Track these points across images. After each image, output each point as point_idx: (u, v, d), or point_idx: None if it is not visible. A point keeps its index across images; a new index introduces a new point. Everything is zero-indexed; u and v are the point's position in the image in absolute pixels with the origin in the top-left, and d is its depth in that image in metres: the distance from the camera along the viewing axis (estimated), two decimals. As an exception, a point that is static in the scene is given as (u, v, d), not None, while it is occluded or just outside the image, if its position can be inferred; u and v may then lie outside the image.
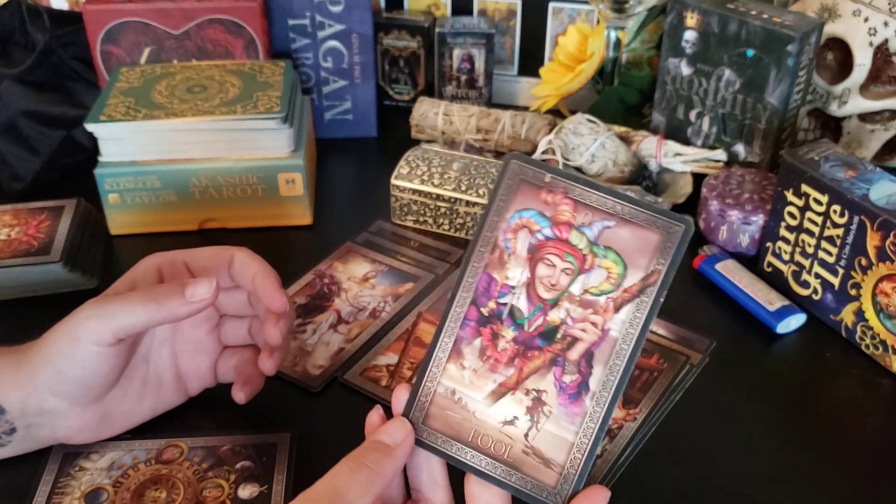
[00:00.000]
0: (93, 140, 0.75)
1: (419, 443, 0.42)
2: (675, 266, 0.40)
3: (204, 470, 0.53)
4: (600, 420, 0.41)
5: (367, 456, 0.41)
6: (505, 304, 0.42)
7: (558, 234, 0.41)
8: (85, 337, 0.48)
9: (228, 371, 0.57)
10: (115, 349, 0.49)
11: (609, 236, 0.41)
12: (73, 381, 0.49)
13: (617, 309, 0.40)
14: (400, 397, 0.43)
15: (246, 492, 0.51)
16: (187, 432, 0.56)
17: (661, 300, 0.40)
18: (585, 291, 0.41)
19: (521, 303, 0.42)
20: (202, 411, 0.58)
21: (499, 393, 0.42)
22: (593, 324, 0.41)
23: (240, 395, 0.55)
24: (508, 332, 0.42)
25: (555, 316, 0.41)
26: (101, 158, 0.75)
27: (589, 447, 0.41)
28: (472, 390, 0.42)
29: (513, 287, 0.42)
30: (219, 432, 0.56)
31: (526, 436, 0.41)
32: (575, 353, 0.41)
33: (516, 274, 0.42)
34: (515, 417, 0.41)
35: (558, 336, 0.41)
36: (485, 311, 0.42)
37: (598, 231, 0.41)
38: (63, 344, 0.49)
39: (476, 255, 0.43)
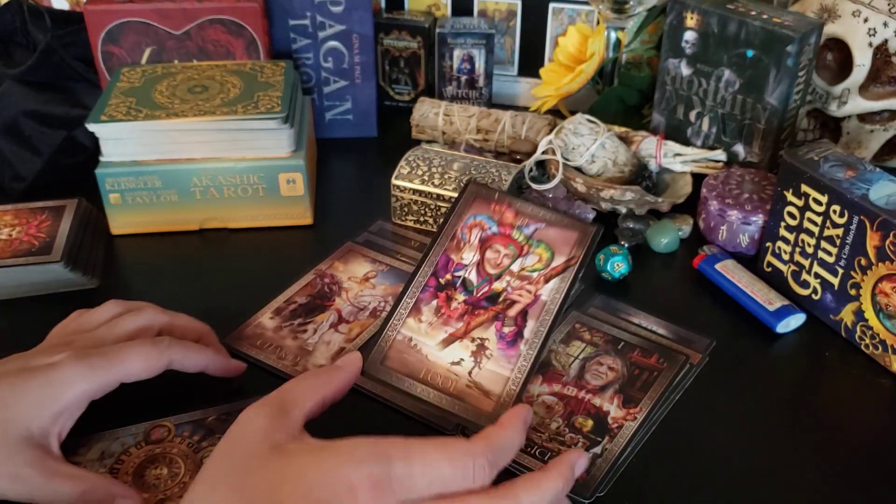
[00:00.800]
0: (94, 140, 0.75)
1: (376, 379, 0.52)
2: (590, 254, 0.56)
3: (197, 442, 0.53)
4: (532, 360, 0.52)
5: (317, 371, 0.49)
6: (459, 277, 0.56)
7: (503, 231, 0.57)
8: (79, 398, 0.50)
9: None
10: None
11: (541, 234, 0.57)
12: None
13: (546, 281, 0.55)
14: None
15: None
16: (169, 412, 0.56)
17: (580, 275, 0.55)
18: (522, 269, 0.55)
19: (472, 276, 0.56)
20: (180, 392, 0.58)
21: (448, 340, 0.54)
22: (528, 291, 0.54)
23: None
24: (460, 297, 0.55)
25: (498, 286, 0.55)
26: (102, 158, 0.75)
27: (522, 381, 0.52)
28: (426, 338, 0.54)
29: (465, 265, 0.56)
30: (202, 406, 0.56)
31: (470, 373, 0.52)
32: (513, 311, 0.54)
33: (469, 256, 0.56)
34: (462, 359, 0.53)
35: (500, 299, 0.55)
36: (442, 280, 0.56)
37: (533, 230, 0.57)
38: (57, 417, 0.49)
39: (439, 242, 0.57)
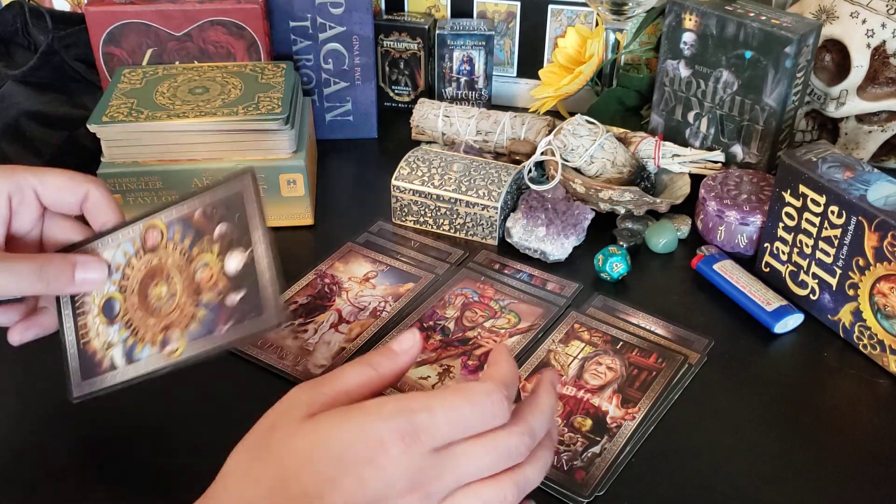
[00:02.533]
0: (95, 141, 0.76)
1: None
2: (551, 322, 0.67)
3: (188, 248, 0.51)
4: None
5: (372, 358, 0.45)
6: (440, 324, 0.67)
7: (483, 301, 0.69)
8: None
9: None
10: None
11: (513, 306, 0.69)
12: None
13: (510, 336, 0.66)
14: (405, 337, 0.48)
15: (233, 262, 0.49)
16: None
17: (539, 336, 0.66)
18: (493, 326, 0.67)
19: (451, 325, 0.67)
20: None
21: (421, 363, 0.63)
22: (494, 340, 0.65)
23: (15, 338, 0.54)
24: (437, 337, 0.66)
25: (470, 333, 0.66)
26: (103, 159, 0.76)
27: None
28: None
29: (447, 317, 0.67)
30: (187, 198, 0.53)
31: (433, 386, 0.61)
32: (479, 352, 0.64)
33: (451, 313, 0.68)
34: (429, 376, 0.62)
35: (470, 343, 0.65)
36: (426, 325, 0.67)
37: (507, 303, 0.69)
38: None
39: (429, 301, 0.69)
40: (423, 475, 0.41)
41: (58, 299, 0.54)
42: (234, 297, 0.47)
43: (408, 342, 0.46)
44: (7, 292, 0.48)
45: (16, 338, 0.54)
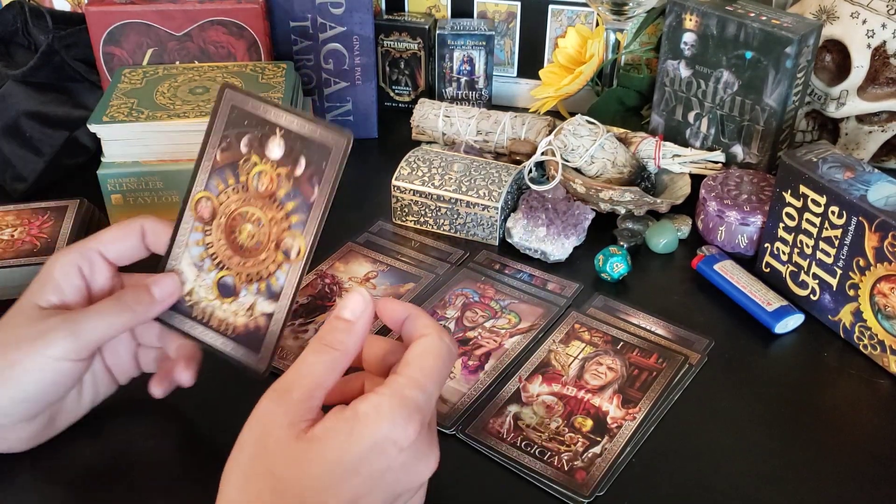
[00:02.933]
0: (95, 141, 0.76)
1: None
2: (551, 322, 0.67)
3: (235, 182, 0.52)
4: (486, 386, 0.61)
5: (328, 338, 0.45)
6: (441, 324, 0.61)
7: (483, 301, 0.69)
8: (59, 354, 0.47)
9: (150, 363, 0.57)
10: (83, 364, 0.49)
11: (513, 306, 0.69)
12: (34, 399, 0.49)
13: (511, 336, 0.66)
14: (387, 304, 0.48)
15: (274, 148, 0.50)
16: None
17: (541, 336, 0.65)
18: (493, 326, 0.67)
19: (451, 326, 0.67)
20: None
21: None
22: (494, 340, 0.65)
23: (157, 391, 0.55)
24: None
25: (471, 334, 0.66)
26: (103, 159, 0.76)
27: (475, 397, 0.60)
28: None
29: (447, 317, 0.67)
30: (203, 149, 0.54)
31: None
32: (479, 352, 0.64)
33: (451, 313, 0.68)
34: None
35: (470, 343, 0.65)
36: None
37: (507, 303, 0.69)
38: (34, 367, 0.47)
39: (429, 301, 0.69)
40: (428, 443, 0.43)
41: (165, 323, 0.54)
42: (300, 166, 0.49)
43: (358, 306, 0.45)
44: (105, 335, 0.49)
45: (157, 391, 0.55)
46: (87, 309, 0.49)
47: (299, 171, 0.49)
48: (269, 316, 0.50)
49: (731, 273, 0.70)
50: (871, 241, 0.61)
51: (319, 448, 0.41)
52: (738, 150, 0.83)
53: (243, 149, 0.51)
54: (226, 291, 0.52)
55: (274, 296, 0.50)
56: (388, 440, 0.41)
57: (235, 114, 0.51)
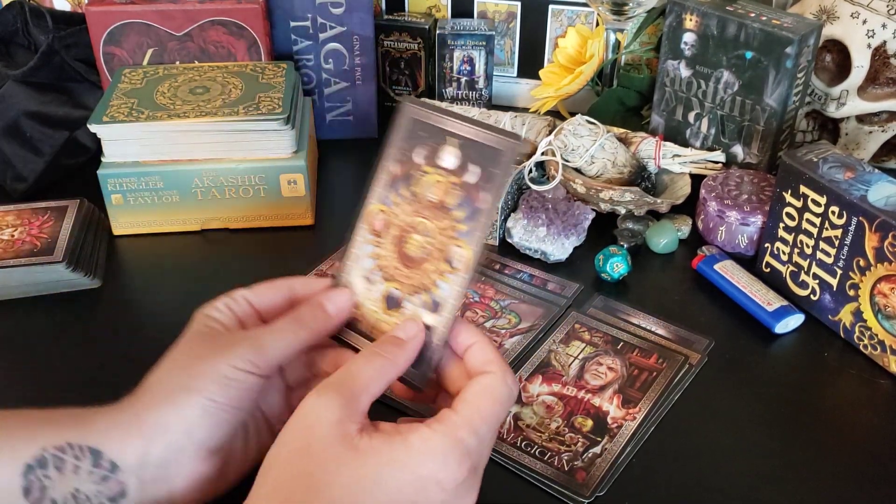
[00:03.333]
0: (96, 141, 0.76)
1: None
2: (551, 322, 0.66)
3: (409, 194, 0.51)
4: None
5: (381, 347, 0.46)
6: None
7: (483, 301, 0.69)
8: (243, 364, 0.45)
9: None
10: (261, 383, 0.47)
11: (513, 306, 0.69)
12: (219, 413, 0.45)
13: (511, 336, 0.66)
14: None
15: (448, 157, 0.49)
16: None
17: (541, 336, 0.65)
18: (493, 326, 0.67)
19: None
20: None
21: None
22: (495, 341, 0.65)
23: None
24: None
25: None
26: (103, 159, 0.76)
27: None
28: None
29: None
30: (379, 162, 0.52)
31: None
32: None
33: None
34: None
35: None
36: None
37: (508, 303, 0.69)
38: (218, 372, 0.45)
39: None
40: (470, 487, 0.43)
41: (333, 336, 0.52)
42: (471, 174, 0.48)
43: (412, 330, 0.47)
44: (286, 351, 0.48)
45: None
46: (267, 326, 0.48)
47: (472, 178, 0.48)
48: (432, 329, 0.48)
49: (731, 273, 0.70)
50: (871, 241, 0.61)
51: (361, 462, 0.40)
52: (738, 150, 0.83)
53: (418, 160, 0.50)
54: (392, 304, 0.50)
55: (436, 307, 0.48)
56: (432, 479, 0.41)
57: (414, 126, 0.50)
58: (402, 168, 0.51)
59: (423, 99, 0.48)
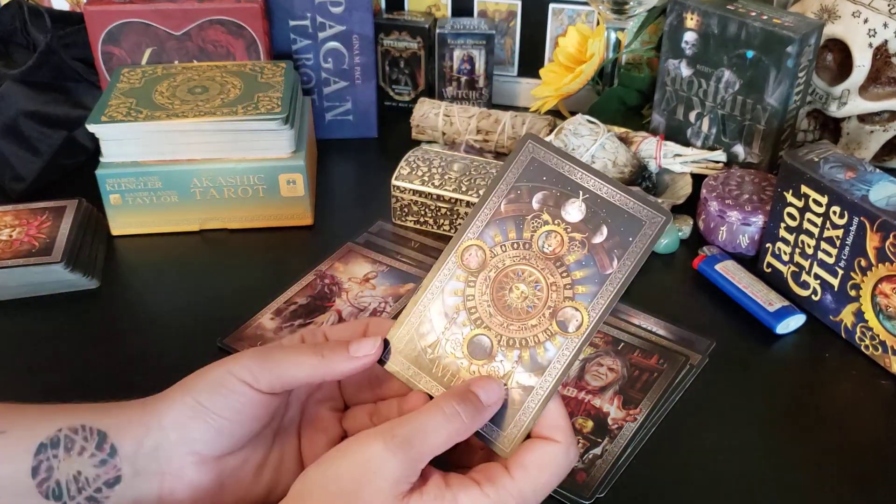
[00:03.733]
0: (94, 141, 0.75)
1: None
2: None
3: (516, 237, 0.47)
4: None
5: (463, 407, 0.42)
6: None
7: None
8: (240, 374, 0.44)
9: None
10: (262, 400, 0.45)
11: None
12: (207, 417, 0.44)
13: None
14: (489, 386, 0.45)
15: (573, 211, 0.45)
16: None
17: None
18: None
19: None
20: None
21: None
22: None
23: None
24: None
25: None
26: (102, 159, 0.75)
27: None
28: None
29: None
30: (481, 203, 0.48)
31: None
32: None
33: None
34: None
35: None
36: None
37: None
38: (213, 376, 0.45)
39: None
40: None
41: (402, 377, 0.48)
42: (601, 234, 0.45)
43: (494, 395, 0.44)
44: (291, 373, 0.46)
45: None
46: (281, 346, 0.48)
47: (598, 238, 0.44)
48: (528, 390, 0.45)
49: (732, 273, 0.70)
50: (872, 241, 0.61)
51: None
52: (739, 149, 0.83)
53: (535, 205, 0.46)
54: (479, 352, 0.46)
55: (538, 369, 0.45)
56: None
57: (535, 167, 0.46)
58: (512, 207, 0.46)
59: (546, 139, 0.46)
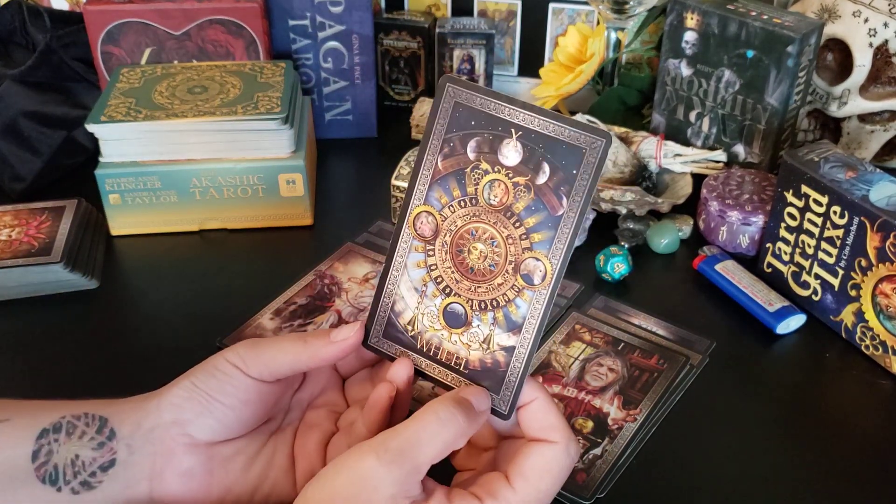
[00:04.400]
0: (93, 141, 0.75)
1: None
2: (551, 323, 0.51)
3: (461, 194, 0.45)
4: None
5: (460, 409, 0.41)
6: None
7: None
8: (232, 359, 0.46)
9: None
10: (253, 386, 0.46)
11: None
12: (200, 397, 0.45)
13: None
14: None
15: (510, 153, 0.43)
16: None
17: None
18: None
19: None
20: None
21: None
22: None
23: None
24: None
25: None
26: (101, 159, 0.75)
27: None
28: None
29: None
30: (418, 162, 0.45)
31: (433, 388, 0.51)
32: None
33: None
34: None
35: None
36: None
37: None
38: (210, 361, 0.46)
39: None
40: None
41: (388, 356, 0.48)
42: (543, 173, 0.42)
43: (484, 400, 0.44)
44: (279, 359, 0.47)
45: None
46: (274, 339, 0.48)
47: (542, 178, 0.42)
48: (510, 350, 0.44)
49: (732, 273, 0.70)
50: (873, 241, 0.61)
51: None
52: (739, 149, 0.83)
53: (471, 154, 0.43)
54: (454, 321, 0.45)
55: (515, 327, 0.43)
56: None
57: (460, 112, 0.43)
58: (449, 163, 0.44)
59: (464, 79, 0.42)
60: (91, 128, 0.73)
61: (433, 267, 0.45)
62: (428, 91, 0.99)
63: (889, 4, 0.79)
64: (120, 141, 0.74)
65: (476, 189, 0.44)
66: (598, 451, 0.55)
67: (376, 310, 0.47)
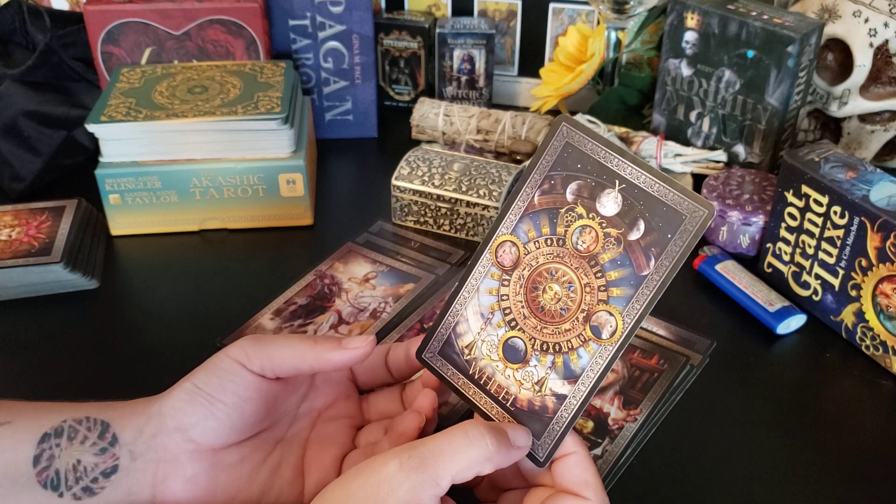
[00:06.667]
0: (93, 140, 0.75)
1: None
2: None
3: (550, 232, 0.45)
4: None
5: (492, 434, 0.40)
6: None
7: None
8: (234, 353, 0.46)
9: None
10: (256, 383, 0.46)
11: None
12: (202, 398, 0.45)
13: None
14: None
15: (607, 203, 0.42)
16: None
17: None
18: None
19: None
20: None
21: None
22: None
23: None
24: None
25: None
26: (101, 159, 0.75)
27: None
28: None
29: None
30: (515, 194, 0.46)
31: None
32: None
33: None
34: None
35: None
36: (427, 326, 0.58)
37: None
38: (211, 360, 0.46)
39: (429, 302, 0.58)
40: None
41: (439, 375, 0.47)
42: (637, 230, 0.41)
43: (522, 438, 0.43)
44: (285, 356, 0.46)
45: None
46: (288, 337, 0.48)
47: (635, 235, 0.41)
48: (562, 398, 0.43)
49: (732, 273, 0.70)
50: (873, 241, 0.61)
51: None
52: (739, 149, 0.83)
53: (569, 196, 0.43)
54: (513, 355, 0.44)
55: (572, 377, 0.43)
56: None
57: (569, 153, 0.43)
58: (546, 199, 0.44)
59: (579, 120, 0.42)
60: (91, 128, 0.73)
61: (504, 297, 0.45)
62: (428, 91, 0.99)
63: (889, 4, 0.79)
64: (120, 141, 0.74)
65: (566, 231, 0.43)
66: (598, 451, 0.55)
67: (438, 326, 0.47)
